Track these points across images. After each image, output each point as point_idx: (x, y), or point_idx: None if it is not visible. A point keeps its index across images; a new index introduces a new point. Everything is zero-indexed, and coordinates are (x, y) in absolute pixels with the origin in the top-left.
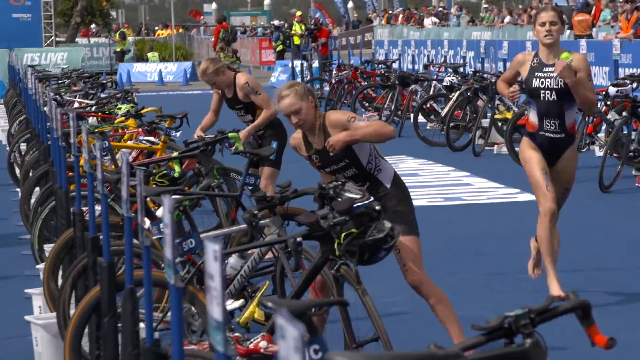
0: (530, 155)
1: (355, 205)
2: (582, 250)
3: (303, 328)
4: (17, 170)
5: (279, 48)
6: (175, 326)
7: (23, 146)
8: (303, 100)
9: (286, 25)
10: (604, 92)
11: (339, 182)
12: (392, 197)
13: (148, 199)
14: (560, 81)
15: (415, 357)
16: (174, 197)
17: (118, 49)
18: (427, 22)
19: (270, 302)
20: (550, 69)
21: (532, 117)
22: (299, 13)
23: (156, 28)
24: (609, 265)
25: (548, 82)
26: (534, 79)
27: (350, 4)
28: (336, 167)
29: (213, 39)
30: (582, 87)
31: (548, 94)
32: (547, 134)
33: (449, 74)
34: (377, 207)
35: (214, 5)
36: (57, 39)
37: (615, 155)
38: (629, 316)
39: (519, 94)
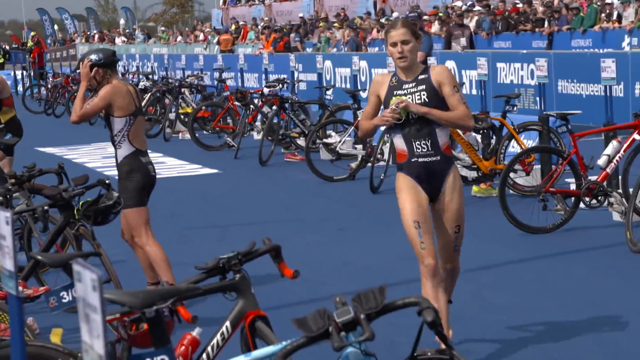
0: (404, 199)
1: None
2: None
3: (99, 272)
4: None
5: (0, 61)
6: None
7: None
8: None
9: (5, 44)
10: (260, 92)
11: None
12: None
13: None
14: (423, 94)
15: (164, 292)
16: None
17: None
18: (118, 40)
19: (40, 255)
20: (411, 85)
21: (399, 144)
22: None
23: None
24: (244, 220)
25: (410, 98)
26: (392, 100)
27: (56, 27)
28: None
29: None
30: (439, 113)
31: (412, 113)
32: (420, 159)
33: (142, 80)
34: (107, 181)
35: None
36: None
37: (269, 138)
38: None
39: (394, 114)
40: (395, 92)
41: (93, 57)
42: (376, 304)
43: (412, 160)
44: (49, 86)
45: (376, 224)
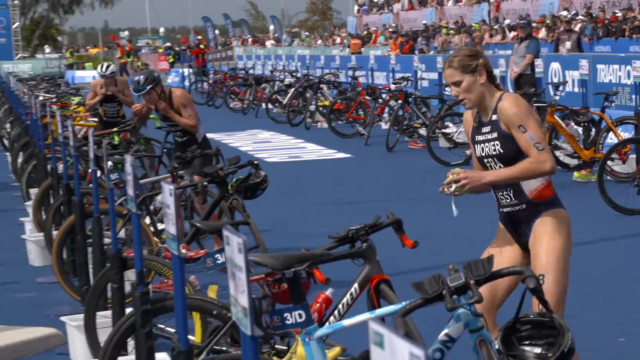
0: (491, 244)
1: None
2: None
3: (244, 237)
4: (5, 142)
5: (171, 60)
6: (136, 239)
7: (9, 126)
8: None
9: (175, 45)
10: (387, 87)
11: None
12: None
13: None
14: (497, 144)
15: (303, 256)
16: (116, 157)
17: (69, 62)
18: (268, 43)
19: (199, 223)
20: (487, 130)
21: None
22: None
23: (88, 47)
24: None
25: (487, 147)
26: (476, 147)
27: (217, 32)
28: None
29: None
30: (503, 175)
31: (491, 162)
32: (505, 209)
33: (287, 77)
34: (255, 162)
35: (126, 33)
36: (23, 54)
37: (395, 127)
38: None
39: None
40: (475, 138)
41: (150, 82)
42: (484, 271)
43: (500, 210)
44: (210, 81)
45: (487, 204)
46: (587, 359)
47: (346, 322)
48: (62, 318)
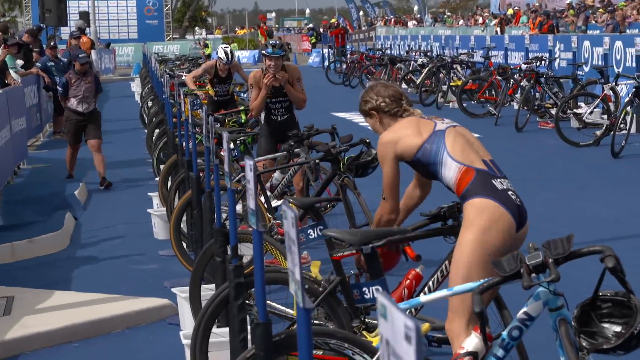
0: None
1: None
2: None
3: (296, 212)
4: (145, 118)
5: (313, 41)
6: (232, 214)
7: (150, 104)
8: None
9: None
10: (518, 67)
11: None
12: None
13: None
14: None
15: (381, 232)
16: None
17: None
18: (410, 24)
19: (292, 199)
20: None
21: None
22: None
23: (236, 28)
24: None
25: None
26: None
27: (361, 13)
28: None
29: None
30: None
31: None
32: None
33: (421, 57)
34: (367, 140)
35: (273, 14)
36: (174, 36)
37: (525, 107)
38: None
39: None
40: None
41: (283, 48)
42: (564, 250)
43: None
44: (348, 62)
45: (614, 185)
46: None
47: (423, 298)
48: (174, 290)
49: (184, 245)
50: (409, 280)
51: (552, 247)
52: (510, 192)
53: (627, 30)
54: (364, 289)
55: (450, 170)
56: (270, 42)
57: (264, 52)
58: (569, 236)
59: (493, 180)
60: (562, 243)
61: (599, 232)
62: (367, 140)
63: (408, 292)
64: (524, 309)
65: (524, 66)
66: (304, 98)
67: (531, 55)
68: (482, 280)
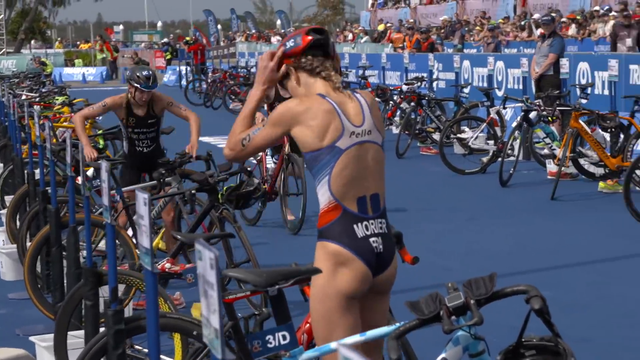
0: None
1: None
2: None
3: (216, 252)
4: None
5: (168, 57)
6: (110, 253)
7: None
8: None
9: (173, 41)
10: (398, 89)
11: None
12: None
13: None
14: None
15: (288, 272)
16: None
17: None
18: (274, 40)
19: (179, 235)
20: None
21: None
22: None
23: (78, 42)
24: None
25: None
26: None
27: (219, 26)
28: None
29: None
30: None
31: None
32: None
33: None
34: (248, 168)
35: (121, 27)
36: (8, 50)
37: (407, 132)
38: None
39: None
40: None
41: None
42: (486, 290)
43: None
44: (209, 81)
45: (503, 216)
46: None
47: (334, 344)
48: (32, 338)
49: (39, 286)
50: (308, 324)
51: (474, 287)
52: (372, 239)
53: (505, 50)
54: (268, 337)
55: (322, 195)
56: (144, 72)
57: (136, 84)
58: (492, 275)
59: (355, 226)
60: (485, 282)
61: (493, 266)
62: (249, 168)
63: (308, 337)
64: (443, 355)
65: (404, 87)
66: (195, 116)
67: (410, 75)
68: (397, 325)
